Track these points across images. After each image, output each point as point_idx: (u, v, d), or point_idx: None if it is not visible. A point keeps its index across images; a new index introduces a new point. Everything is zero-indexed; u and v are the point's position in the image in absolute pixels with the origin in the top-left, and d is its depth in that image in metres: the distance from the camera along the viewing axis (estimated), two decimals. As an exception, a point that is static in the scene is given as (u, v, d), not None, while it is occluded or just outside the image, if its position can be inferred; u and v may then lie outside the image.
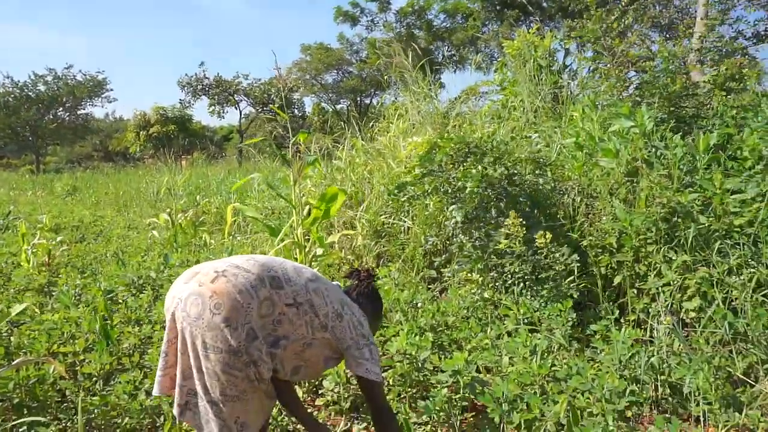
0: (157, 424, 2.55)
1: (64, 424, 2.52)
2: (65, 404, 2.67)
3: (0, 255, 5.62)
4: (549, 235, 3.30)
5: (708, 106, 4.70)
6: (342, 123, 7.21)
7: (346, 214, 5.10)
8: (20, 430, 2.46)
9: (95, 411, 2.52)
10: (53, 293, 4.21)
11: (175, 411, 1.73)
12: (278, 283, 1.73)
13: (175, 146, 22.68)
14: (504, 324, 3.11)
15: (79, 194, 15.12)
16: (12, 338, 3.14)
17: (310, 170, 4.70)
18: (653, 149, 3.72)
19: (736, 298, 2.90)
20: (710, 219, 3.22)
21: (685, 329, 3.06)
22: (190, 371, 1.68)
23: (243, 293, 1.64)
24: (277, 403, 1.93)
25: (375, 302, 2.12)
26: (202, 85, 35.38)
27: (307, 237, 3.97)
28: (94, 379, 2.83)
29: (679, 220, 3.26)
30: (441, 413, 2.40)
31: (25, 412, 2.50)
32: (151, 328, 3.25)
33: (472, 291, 3.56)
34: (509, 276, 3.50)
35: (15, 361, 2.60)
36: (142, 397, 2.54)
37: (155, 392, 1.81)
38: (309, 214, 3.87)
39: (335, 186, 5.39)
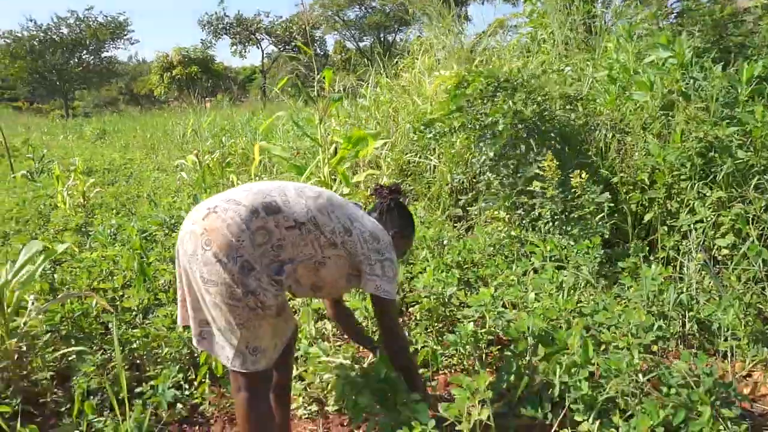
0: (195, 354, 2.68)
1: (109, 354, 2.66)
2: (108, 336, 2.82)
3: (38, 197, 5.81)
4: (585, 176, 3.22)
5: (757, 34, 4.41)
6: (366, 60, 7.03)
7: (372, 153, 5.06)
8: (69, 358, 2.63)
9: (136, 342, 2.66)
10: (90, 233, 4.36)
11: (194, 341, 1.80)
12: (275, 208, 1.71)
13: (198, 88, 22.60)
14: (530, 261, 3.12)
15: (108, 138, 15.35)
16: (55, 275, 3.29)
17: (335, 109, 4.65)
18: (691, 81, 3.55)
19: (771, 235, 2.84)
20: (749, 154, 3.10)
21: (717, 266, 3.01)
22: (198, 303, 1.74)
23: (231, 227, 1.63)
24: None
25: (400, 219, 2.08)
26: (223, 24, 34.76)
27: (333, 176, 3.98)
28: (134, 313, 2.97)
29: (716, 155, 3.15)
30: (467, 346, 2.45)
31: (73, 342, 2.66)
32: (184, 265, 3.36)
33: (499, 229, 3.55)
34: (538, 215, 3.47)
35: (59, 296, 2.74)
36: (180, 329, 2.66)
37: (178, 323, 1.90)
38: (335, 153, 3.86)
39: (360, 127, 5.34)
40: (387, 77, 6.14)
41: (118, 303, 3.03)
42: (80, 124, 20.41)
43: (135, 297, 2.96)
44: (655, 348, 2.47)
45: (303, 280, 1.82)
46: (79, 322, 2.76)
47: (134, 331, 2.73)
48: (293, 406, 2.37)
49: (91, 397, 2.37)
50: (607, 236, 3.26)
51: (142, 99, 35.88)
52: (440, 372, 2.59)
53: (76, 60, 36.29)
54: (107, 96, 43.05)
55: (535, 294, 2.74)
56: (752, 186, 2.98)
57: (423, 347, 2.56)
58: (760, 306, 2.63)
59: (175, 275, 1.88)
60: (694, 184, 3.15)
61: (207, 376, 2.48)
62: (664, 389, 2.08)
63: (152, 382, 2.34)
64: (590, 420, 1.98)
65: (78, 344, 2.62)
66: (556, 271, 2.85)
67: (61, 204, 5.30)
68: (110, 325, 2.89)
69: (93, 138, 15.63)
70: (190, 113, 11.24)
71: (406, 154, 4.91)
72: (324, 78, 4.10)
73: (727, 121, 3.28)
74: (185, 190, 6.08)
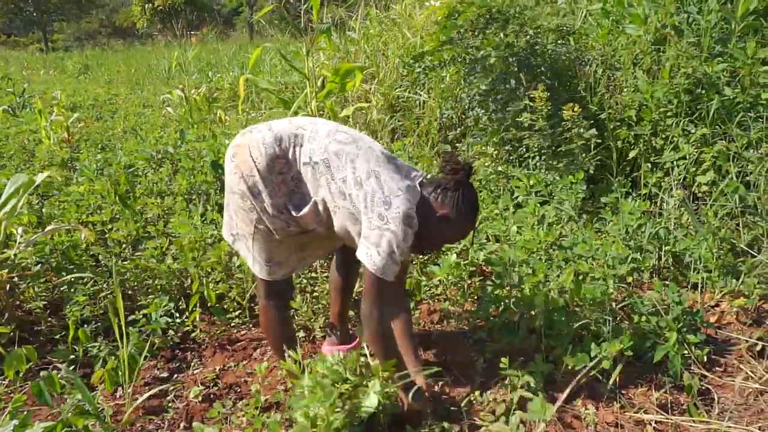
0: (185, 285, 2.75)
1: (100, 286, 2.72)
2: (99, 268, 2.87)
3: (21, 132, 5.70)
4: (578, 109, 3.20)
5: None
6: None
7: (361, 88, 4.98)
8: (61, 289, 2.68)
9: (127, 273, 2.71)
10: (76, 168, 4.33)
11: (228, 239, 1.96)
12: (299, 141, 1.76)
13: (182, 21, 21.75)
14: (515, 196, 3.16)
15: (92, 73, 14.89)
16: (43, 209, 3.30)
17: (323, 42, 4.53)
18: (686, 15, 3.48)
19: (751, 172, 2.88)
20: (736, 91, 3.10)
21: (696, 203, 3.08)
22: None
23: (254, 148, 1.75)
24: None
25: (458, 205, 1.73)
26: (207, -49, 32.98)
27: (321, 110, 3.94)
28: (123, 245, 3.01)
29: (703, 91, 3.14)
30: (450, 277, 2.53)
31: (64, 274, 2.71)
32: (173, 199, 3.38)
33: (486, 164, 3.57)
34: (525, 149, 3.48)
35: (47, 228, 2.76)
36: (169, 261, 2.71)
37: (226, 239, 1.99)
38: (323, 87, 3.80)
39: (349, 61, 5.22)
40: (376, 9, 5.95)
41: (107, 236, 3.06)
42: (61, 57, 19.69)
43: (123, 229, 2.99)
44: (630, 279, 2.56)
45: (327, 221, 1.78)
46: (68, 254, 2.79)
47: (124, 263, 2.77)
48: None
49: (85, 325, 2.44)
50: (592, 172, 3.30)
51: (124, 32, 34.51)
52: (423, 301, 2.68)
53: (53, -11, 34.60)
54: (88, 29, 41.34)
55: (517, 227, 2.80)
56: (735, 123, 3.00)
57: (408, 277, 2.64)
58: (734, 241, 2.71)
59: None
60: (680, 121, 3.16)
61: (198, 305, 2.56)
62: (635, 317, 2.19)
63: (144, 311, 2.41)
64: (563, 345, 2.08)
65: (69, 275, 2.66)
66: (539, 205, 2.90)
67: (45, 139, 5.21)
68: (100, 257, 2.93)
69: (76, 73, 15.13)
70: (175, 47, 10.88)
71: (396, 89, 4.84)
72: (311, 8, 3.97)
73: (718, 57, 3.25)
74: (171, 125, 5.98)
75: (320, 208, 1.76)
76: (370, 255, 1.63)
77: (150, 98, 8.99)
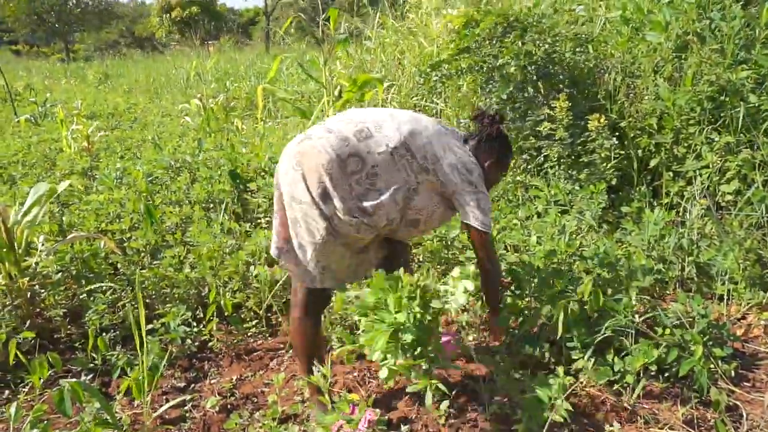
0: (203, 294, 2.75)
1: (118, 294, 2.74)
2: (118, 276, 2.88)
3: (43, 141, 5.80)
4: (603, 120, 3.16)
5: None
6: (372, 0, 6.81)
7: (378, 96, 4.99)
8: (81, 297, 2.70)
9: (146, 282, 2.73)
10: (96, 176, 4.38)
11: (274, 253, 1.94)
12: (367, 134, 1.79)
13: (200, 30, 22.06)
14: (534, 205, 3.12)
15: (111, 82, 15.13)
16: (64, 218, 3.34)
17: (340, 51, 4.55)
18: (708, 21, 3.43)
19: (777, 181, 2.82)
20: (762, 98, 3.03)
21: (720, 212, 3.02)
22: (286, 220, 1.87)
23: (321, 154, 1.73)
24: None
25: (501, 148, 2.02)
26: (224, -38, 33.46)
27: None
28: (142, 254, 3.03)
29: (727, 99, 3.08)
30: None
31: (83, 282, 2.73)
32: (190, 208, 3.40)
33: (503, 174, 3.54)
34: (543, 159, 3.45)
35: (68, 237, 2.79)
36: (187, 270, 2.72)
37: (273, 253, 1.96)
38: (340, 96, 3.81)
39: (366, 70, 5.24)
40: (393, 18, 5.96)
41: (126, 245, 3.08)
42: (82, 67, 20.05)
43: (143, 238, 3.01)
44: (653, 291, 2.51)
45: (395, 214, 1.81)
46: (88, 262, 2.82)
47: (143, 271, 2.79)
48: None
49: (104, 333, 2.45)
50: (613, 182, 3.25)
51: (143, 42, 35.08)
52: (442, 312, 2.64)
53: (74, 1, 35.29)
54: (108, 39, 42.09)
55: (537, 237, 2.76)
56: (761, 131, 2.93)
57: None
58: (760, 251, 2.65)
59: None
60: (703, 128, 3.11)
61: (215, 314, 2.56)
62: (659, 330, 2.14)
63: (162, 320, 2.42)
64: (585, 358, 2.04)
65: (89, 284, 2.69)
66: (559, 215, 2.86)
67: (66, 148, 5.30)
68: (119, 266, 2.95)
69: (96, 82, 15.39)
70: (193, 57, 11.02)
71: (412, 97, 4.83)
72: (329, 19, 3.99)
73: (743, 64, 3.19)
74: (189, 134, 6.04)
75: (399, 196, 1.80)
76: (476, 217, 1.85)
77: (168, 107, 9.10)
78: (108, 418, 1.71)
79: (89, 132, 5.44)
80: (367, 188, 1.76)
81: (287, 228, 1.86)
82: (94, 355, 2.34)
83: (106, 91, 13.10)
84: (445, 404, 1.93)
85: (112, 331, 2.52)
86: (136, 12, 44.53)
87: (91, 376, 2.29)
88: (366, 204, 1.75)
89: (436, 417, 1.92)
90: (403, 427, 1.87)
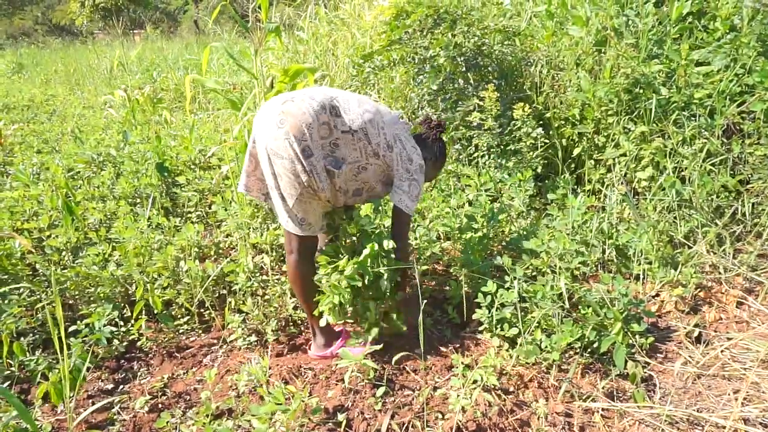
0: (130, 292, 2.64)
1: (37, 296, 2.58)
2: (37, 278, 2.72)
3: (-53, 135, 5.35)
4: (528, 109, 3.28)
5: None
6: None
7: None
8: (-6, 300, 2.52)
9: (67, 282, 2.58)
10: (9, 172, 4.10)
11: (241, 189, 2.19)
12: (337, 112, 1.99)
13: (125, 18, 20.97)
14: (465, 194, 3.20)
15: (27, 72, 14.12)
16: (-27, 216, 3.10)
17: (272, 42, 4.45)
18: (625, 18, 3.63)
19: (686, 168, 3.03)
20: (672, 91, 3.25)
21: (636, 197, 3.21)
22: (258, 166, 2.09)
23: (304, 115, 1.90)
24: None
25: (438, 151, 2.34)
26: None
27: (270, 112, 3.86)
28: (63, 253, 2.87)
29: (642, 91, 3.28)
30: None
31: (-3, 284, 2.55)
32: (115, 203, 3.24)
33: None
34: (474, 148, 3.54)
35: (-22, 236, 2.60)
36: (112, 268, 2.60)
37: (240, 189, 2.20)
38: (272, 86, 3.73)
39: (298, 61, 5.17)
40: (326, 9, 5.91)
41: (45, 243, 2.91)
42: (-8, 56, 18.60)
43: (63, 236, 2.84)
44: (577, 273, 2.64)
45: (348, 184, 2.07)
46: (2, 263, 2.64)
47: (64, 271, 2.64)
48: (232, 337, 2.42)
49: (21, 338, 2.31)
50: (539, 170, 3.38)
51: (62, 30, 32.93)
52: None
53: (-18, -17, 32.64)
54: (22, 26, 39.24)
55: (466, 224, 2.83)
56: (671, 121, 3.14)
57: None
58: (672, 233, 2.84)
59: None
60: (620, 119, 3.29)
61: (143, 312, 2.46)
62: (583, 309, 2.26)
63: (86, 321, 2.30)
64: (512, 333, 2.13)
65: (3, 286, 2.51)
66: (488, 202, 2.95)
67: (-25, 142, 4.91)
68: (37, 266, 2.78)
69: (9, 72, 14.32)
70: (117, 46, 10.47)
71: (345, 88, 4.81)
72: (260, 7, 3.89)
73: (655, 59, 3.39)
74: (114, 127, 5.75)
75: (351, 168, 2.03)
76: (402, 200, 2.11)
77: (90, 99, 8.61)
78: (27, 426, 1.61)
79: (1, 125, 5.07)
80: (328, 153, 1.98)
81: (260, 170, 2.09)
82: (10, 361, 2.20)
83: (20, 82, 12.22)
84: (381, 390, 1.96)
85: (30, 335, 2.37)
86: (53, -2, 41.68)
87: (7, 384, 2.16)
88: (329, 167, 1.97)
89: (372, 404, 1.94)
90: (340, 415, 1.88)
